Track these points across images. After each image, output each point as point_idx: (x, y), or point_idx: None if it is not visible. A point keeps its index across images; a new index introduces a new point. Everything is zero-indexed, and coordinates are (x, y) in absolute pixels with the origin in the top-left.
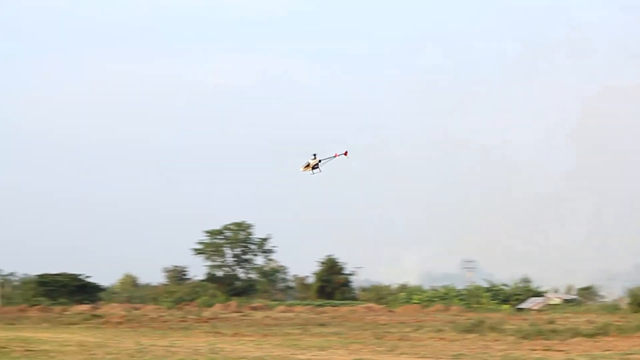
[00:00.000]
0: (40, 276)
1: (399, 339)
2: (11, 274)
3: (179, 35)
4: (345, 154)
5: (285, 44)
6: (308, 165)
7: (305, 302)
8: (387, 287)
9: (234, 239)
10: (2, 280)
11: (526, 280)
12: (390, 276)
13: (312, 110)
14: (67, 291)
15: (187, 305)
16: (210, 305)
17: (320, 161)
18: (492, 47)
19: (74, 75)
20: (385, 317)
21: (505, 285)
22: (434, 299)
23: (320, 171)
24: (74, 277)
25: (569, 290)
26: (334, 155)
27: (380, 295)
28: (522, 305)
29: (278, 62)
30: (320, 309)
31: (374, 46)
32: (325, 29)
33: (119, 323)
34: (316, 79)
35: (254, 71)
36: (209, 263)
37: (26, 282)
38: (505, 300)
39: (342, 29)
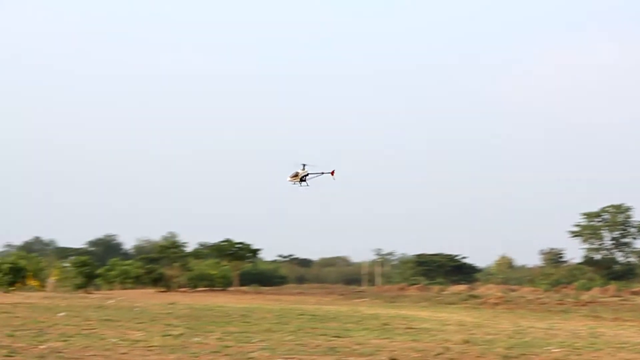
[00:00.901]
0: (418, 256)
1: None
2: (390, 254)
3: None
4: (332, 173)
5: None
6: (296, 176)
7: None
8: None
9: (612, 222)
10: (382, 260)
11: None
12: None
13: None
14: (443, 271)
15: (564, 288)
16: (588, 289)
17: (308, 174)
18: None
19: None
20: None
21: None
22: None
23: (307, 185)
24: (451, 258)
25: None
26: (320, 172)
27: None
28: None
29: None
30: None
31: None
32: None
33: (496, 304)
34: None
35: None
36: (586, 246)
37: (405, 262)
38: None
39: None
